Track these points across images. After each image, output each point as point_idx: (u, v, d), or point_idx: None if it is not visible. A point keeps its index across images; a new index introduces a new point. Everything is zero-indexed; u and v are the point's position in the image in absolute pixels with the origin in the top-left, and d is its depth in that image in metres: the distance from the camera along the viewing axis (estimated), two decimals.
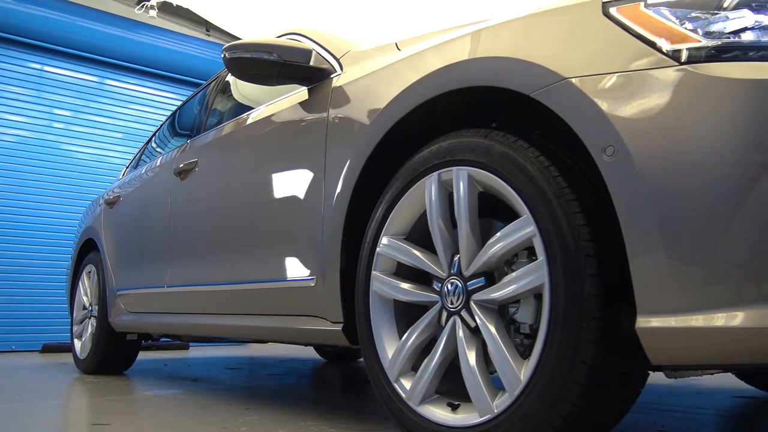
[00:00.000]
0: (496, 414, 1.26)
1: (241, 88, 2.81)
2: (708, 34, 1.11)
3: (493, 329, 1.31)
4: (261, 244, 2.12)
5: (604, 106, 1.14)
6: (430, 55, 1.58)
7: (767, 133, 1.01)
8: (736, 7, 1.13)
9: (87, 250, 3.98)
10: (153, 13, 6.04)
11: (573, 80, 1.19)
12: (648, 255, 1.06)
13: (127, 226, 3.44)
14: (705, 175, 1.03)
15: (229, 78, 2.96)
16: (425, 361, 1.44)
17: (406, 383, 1.49)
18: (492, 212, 1.46)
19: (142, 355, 5.23)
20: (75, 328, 3.95)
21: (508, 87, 1.32)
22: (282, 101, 2.19)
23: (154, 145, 3.81)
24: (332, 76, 2.01)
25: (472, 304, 1.36)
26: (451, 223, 1.45)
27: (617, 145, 1.11)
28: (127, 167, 4.23)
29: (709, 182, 1.02)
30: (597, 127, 1.14)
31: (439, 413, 1.41)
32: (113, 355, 3.60)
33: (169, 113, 4.32)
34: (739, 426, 1.99)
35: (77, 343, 3.88)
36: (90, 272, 3.85)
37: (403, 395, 1.48)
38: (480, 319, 1.34)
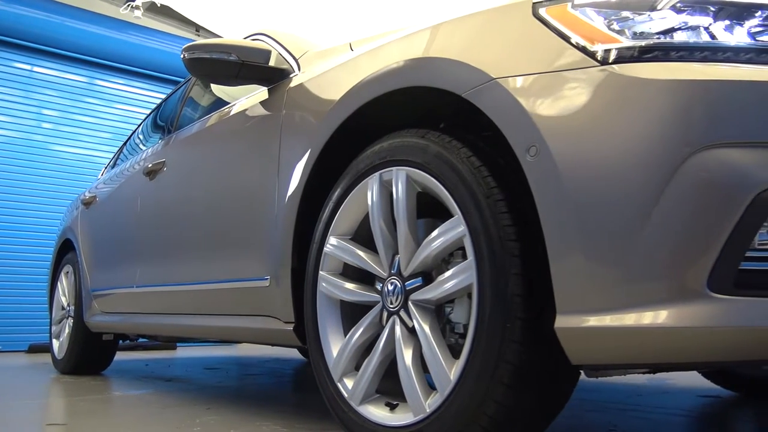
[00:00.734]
0: (428, 414, 1.26)
1: (211, 89, 2.81)
2: (633, 35, 1.11)
3: (427, 329, 1.31)
4: (219, 244, 2.12)
5: (528, 106, 1.14)
6: (364, 60, 1.59)
7: (681, 134, 1.01)
8: (661, 8, 1.13)
9: (65, 250, 3.99)
10: (138, 13, 6.04)
11: (500, 80, 1.19)
12: (567, 255, 1.06)
13: (101, 226, 3.44)
14: (620, 176, 1.03)
15: None
16: (366, 361, 1.44)
17: (349, 383, 1.49)
18: (437, 212, 1.46)
19: (127, 355, 5.25)
20: (54, 328, 3.95)
21: (443, 87, 1.32)
22: (245, 102, 2.20)
23: (132, 144, 3.81)
24: (291, 76, 2.01)
25: (410, 304, 1.37)
26: (393, 223, 1.45)
27: (539, 145, 1.11)
28: (106, 167, 4.23)
29: (624, 183, 1.02)
30: (521, 127, 1.15)
31: (377, 413, 1.41)
32: (89, 355, 3.60)
33: None
34: (693, 425, 1.98)
35: (55, 343, 3.88)
36: (68, 272, 3.86)
37: (345, 395, 1.48)
38: (416, 319, 1.34)
